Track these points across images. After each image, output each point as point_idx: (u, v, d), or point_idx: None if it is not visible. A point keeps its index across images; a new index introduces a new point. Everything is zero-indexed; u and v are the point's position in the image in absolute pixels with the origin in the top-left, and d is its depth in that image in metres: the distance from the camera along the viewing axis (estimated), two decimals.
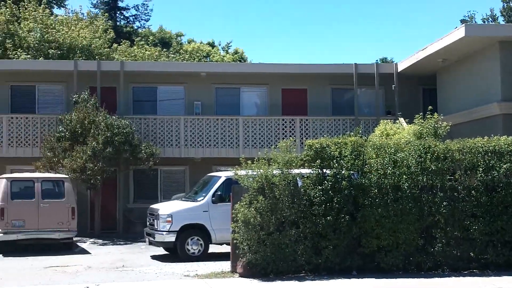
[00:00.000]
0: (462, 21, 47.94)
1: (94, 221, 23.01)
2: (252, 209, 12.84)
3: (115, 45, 36.83)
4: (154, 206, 17.60)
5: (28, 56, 30.67)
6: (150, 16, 60.23)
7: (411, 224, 13.17)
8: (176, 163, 24.49)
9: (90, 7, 48.88)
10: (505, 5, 45.63)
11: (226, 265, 14.10)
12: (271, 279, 12.62)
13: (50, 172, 20.91)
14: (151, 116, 24.25)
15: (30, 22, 32.62)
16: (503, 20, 44.81)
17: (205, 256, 16.19)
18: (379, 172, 13.25)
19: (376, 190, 13.14)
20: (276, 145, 13.80)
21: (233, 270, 13.38)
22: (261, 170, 13.01)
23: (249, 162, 13.30)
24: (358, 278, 12.73)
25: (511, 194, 13.40)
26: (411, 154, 13.43)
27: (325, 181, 13.09)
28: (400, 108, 24.42)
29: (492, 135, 14.72)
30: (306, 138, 22.85)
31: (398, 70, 25.17)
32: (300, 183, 13.21)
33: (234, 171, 13.71)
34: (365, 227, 13.14)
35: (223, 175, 16.68)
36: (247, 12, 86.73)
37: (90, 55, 32.27)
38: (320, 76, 25.55)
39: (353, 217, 13.13)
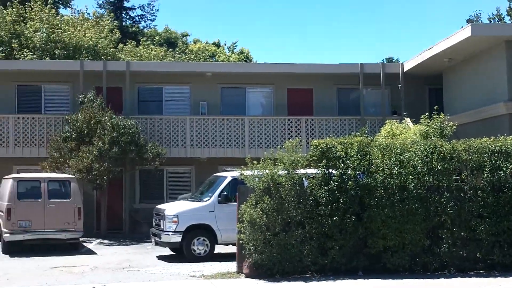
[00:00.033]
0: (468, 21, 47.75)
1: (100, 221, 23.05)
2: (258, 209, 12.84)
3: (121, 45, 36.89)
4: (160, 206, 17.60)
5: (34, 56, 30.72)
6: (156, 16, 60.49)
7: (417, 225, 13.14)
8: (182, 163, 24.49)
9: (96, 7, 49.07)
10: (511, 5, 45.42)
11: (232, 266, 14.10)
12: (277, 279, 12.61)
13: (57, 172, 20.94)
14: (157, 116, 24.24)
15: (36, 22, 32.66)
16: (509, 20, 44.56)
17: (211, 257, 16.19)
18: (385, 172, 13.23)
19: (382, 190, 13.13)
20: (282, 145, 13.79)
21: (239, 271, 13.38)
22: (267, 170, 13.00)
23: (255, 162, 13.29)
24: (364, 278, 12.72)
25: None
26: (417, 154, 13.39)
27: (331, 181, 13.08)
28: (406, 108, 24.38)
29: (498, 135, 14.69)
30: (312, 138, 22.79)
31: (404, 70, 25.10)
32: (306, 184, 13.21)
33: (240, 171, 13.74)
34: (371, 228, 13.12)
35: (229, 175, 16.67)
36: (253, 12, 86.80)
37: (96, 55, 32.31)
38: (326, 76, 25.49)
39: (359, 218, 13.11)
